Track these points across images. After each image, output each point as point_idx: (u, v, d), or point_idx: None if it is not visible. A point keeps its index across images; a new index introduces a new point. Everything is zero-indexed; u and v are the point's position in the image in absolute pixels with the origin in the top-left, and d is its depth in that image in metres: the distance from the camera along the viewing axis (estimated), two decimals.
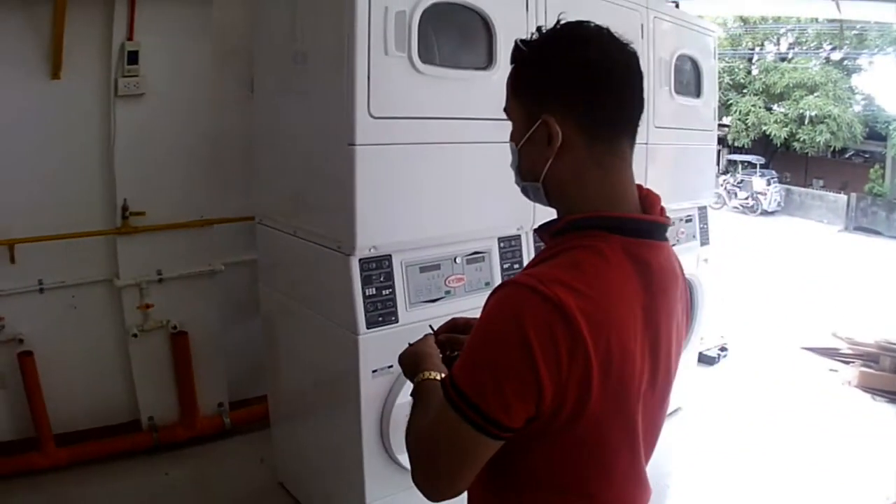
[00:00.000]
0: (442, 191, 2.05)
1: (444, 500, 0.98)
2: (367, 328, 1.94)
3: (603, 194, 0.96)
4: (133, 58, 2.56)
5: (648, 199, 1.01)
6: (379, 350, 1.96)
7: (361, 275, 1.92)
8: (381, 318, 1.96)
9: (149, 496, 2.54)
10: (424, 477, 0.96)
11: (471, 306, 2.12)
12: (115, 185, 2.64)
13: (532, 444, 0.94)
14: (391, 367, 1.98)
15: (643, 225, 0.97)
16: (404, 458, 2.08)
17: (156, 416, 2.85)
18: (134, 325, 2.77)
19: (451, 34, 2.12)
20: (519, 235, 2.29)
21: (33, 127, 2.59)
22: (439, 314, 2.04)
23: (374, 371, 1.97)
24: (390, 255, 1.98)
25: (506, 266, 2.25)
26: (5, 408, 2.80)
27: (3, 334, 2.69)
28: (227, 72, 2.80)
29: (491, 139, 2.12)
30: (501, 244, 2.25)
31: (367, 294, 1.93)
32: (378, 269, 1.96)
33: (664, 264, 0.99)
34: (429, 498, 0.98)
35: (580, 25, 0.95)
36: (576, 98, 0.93)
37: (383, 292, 1.97)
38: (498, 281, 2.20)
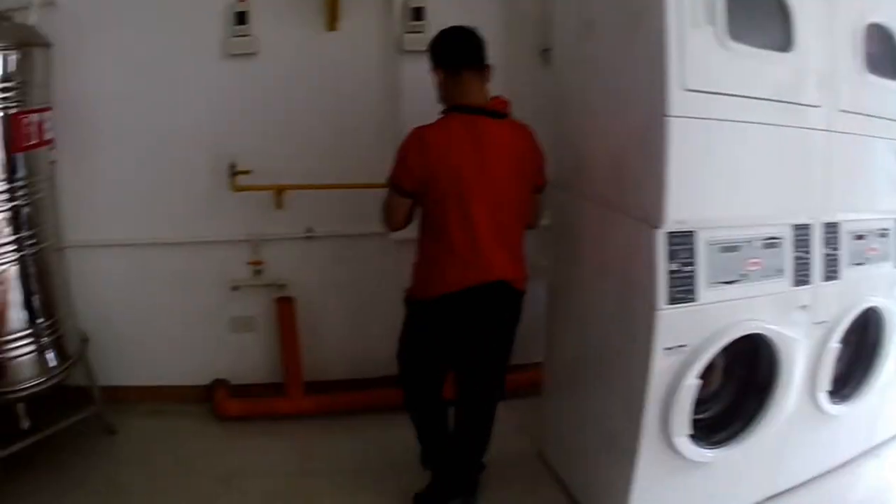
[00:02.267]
0: (752, 172, 1.97)
1: (393, 230, 2.26)
2: (667, 304, 1.89)
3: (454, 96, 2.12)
4: (418, 14, 2.66)
5: (495, 101, 2.13)
6: (675, 327, 1.91)
7: (667, 249, 1.87)
8: (680, 296, 1.90)
9: (393, 453, 2.63)
10: (384, 220, 2.21)
11: (764, 292, 2.04)
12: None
13: (423, 208, 2.11)
14: (684, 346, 1.93)
15: (473, 109, 2.08)
16: (682, 443, 2.02)
17: None
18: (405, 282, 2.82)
19: (751, 12, 2.01)
20: (810, 224, 2.14)
21: (311, 77, 2.74)
22: (735, 296, 1.99)
23: (666, 348, 1.92)
24: (694, 232, 1.91)
25: (798, 255, 2.12)
26: (254, 351, 3.03)
27: (263, 278, 2.89)
28: (514, 36, 2.81)
29: (797, 124, 2.04)
30: (796, 232, 2.11)
31: (670, 269, 1.88)
32: (682, 244, 1.90)
33: (489, 127, 2.07)
34: (387, 230, 2.28)
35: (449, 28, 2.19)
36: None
37: (685, 269, 1.91)
38: (790, 267, 2.10)
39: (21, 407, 2.55)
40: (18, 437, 2.56)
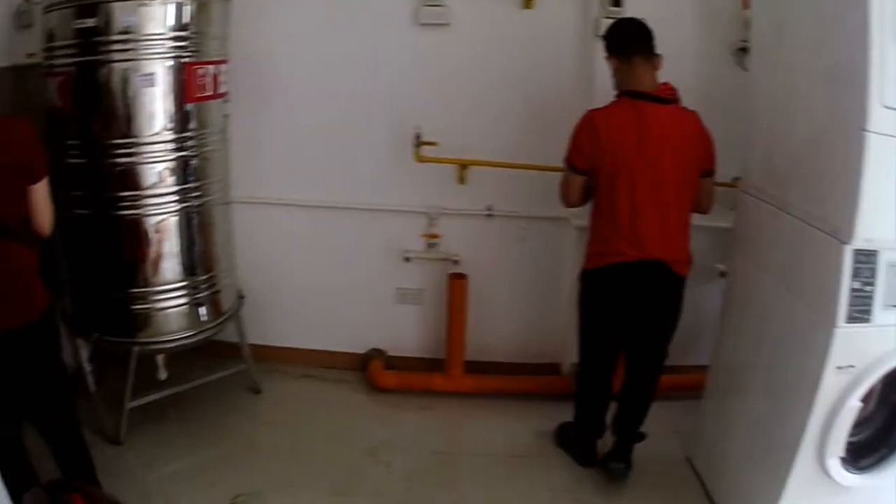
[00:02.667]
0: None
1: (569, 206, 2.42)
2: (846, 322, 1.86)
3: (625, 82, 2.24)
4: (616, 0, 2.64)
5: (662, 87, 2.21)
6: (849, 347, 1.88)
7: (853, 265, 1.84)
8: (857, 315, 1.87)
9: (545, 442, 2.61)
10: (561, 196, 2.38)
11: None
12: None
13: (595, 185, 2.26)
14: (853, 366, 1.90)
15: (641, 95, 2.19)
16: (833, 464, 1.99)
17: None
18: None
19: None
20: None
21: (502, 55, 2.72)
22: None
23: (838, 367, 1.89)
24: (878, 252, 1.88)
25: None
26: (416, 325, 3.02)
27: (438, 252, 2.87)
28: (709, 31, 2.77)
29: None
30: None
31: (853, 287, 1.85)
32: (866, 263, 1.86)
33: (655, 111, 2.18)
34: (565, 205, 2.42)
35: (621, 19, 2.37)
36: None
37: (866, 288, 1.88)
38: None
39: (160, 358, 2.57)
40: (158, 387, 2.60)
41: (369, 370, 2.95)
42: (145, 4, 2.25)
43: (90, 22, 2.26)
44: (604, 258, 2.26)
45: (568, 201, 2.38)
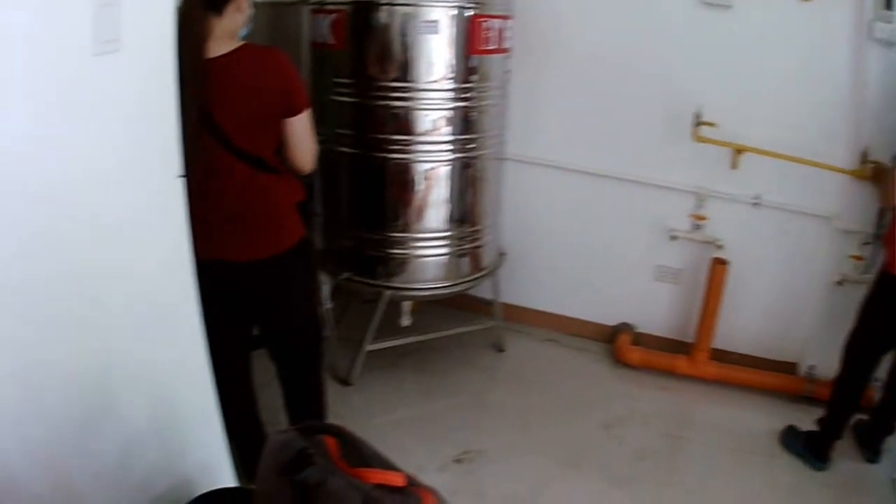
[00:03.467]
0: None
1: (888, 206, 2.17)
2: None
3: None
4: (889, 2, 2.34)
5: None
6: None
7: None
8: None
9: (770, 438, 2.46)
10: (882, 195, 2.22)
11: None
12: (862, 129, 2.45)
13: None
14: None
15: None
16: None
17: (818, 367, 2.65)
18: (839, 272, 2.57)
19: None
20: None
21: (782, 44, 2.50)
22: None
23: None
24: None
25: None
26: (669, 304, 2.89)
27: (702, 234, 2.74)
28: None
29: None
30: None
31: None
32: None
33: None
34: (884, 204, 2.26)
35: None
36: None
37: None
38: None
39: (407, 304, 2.56)
40: (398, 333, 2.60)
41: (616, 343, 2.85)
42: None
43: None
44: None
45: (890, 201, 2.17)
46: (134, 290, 1.36)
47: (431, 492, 1.05)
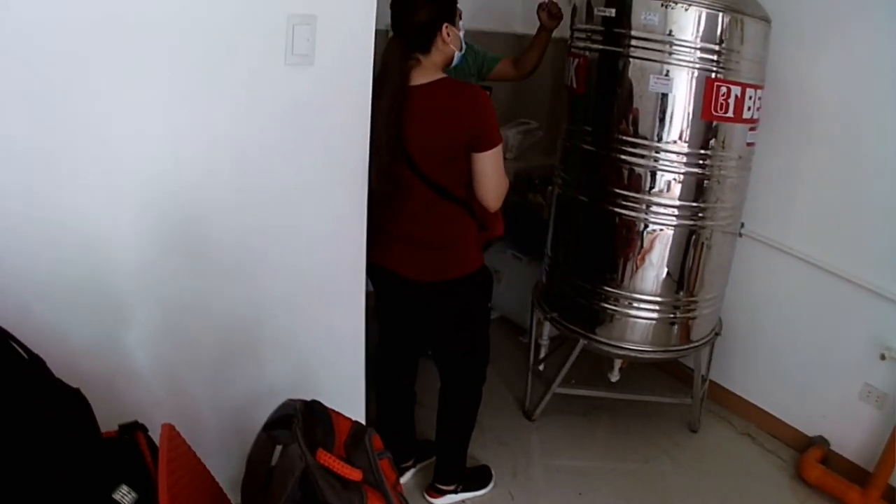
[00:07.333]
0: None
1: None
2: None
3: None
4: None
5: None
6: None
7: None
8: None
9: None
10: None
11: None
12: None
13: None
14: None
15: None
16: None
17: None
18: None
19: None
20: None
21: None
22: None
23: None
24: None
25: None
26: (871, 429, 2.51)
27: None
28: None
29: None
30: None
31: None
32: None
33: None
34: None
35: None
36: None
37: None
38: None
39: (617, 361, 2.58)
40: (604, 386, 2.67)
41: (804, 455, 2.59)
42: (669, 6, 2.09)
43: (609, 12, 2.21)
44: None
45: None
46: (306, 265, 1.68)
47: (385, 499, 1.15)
